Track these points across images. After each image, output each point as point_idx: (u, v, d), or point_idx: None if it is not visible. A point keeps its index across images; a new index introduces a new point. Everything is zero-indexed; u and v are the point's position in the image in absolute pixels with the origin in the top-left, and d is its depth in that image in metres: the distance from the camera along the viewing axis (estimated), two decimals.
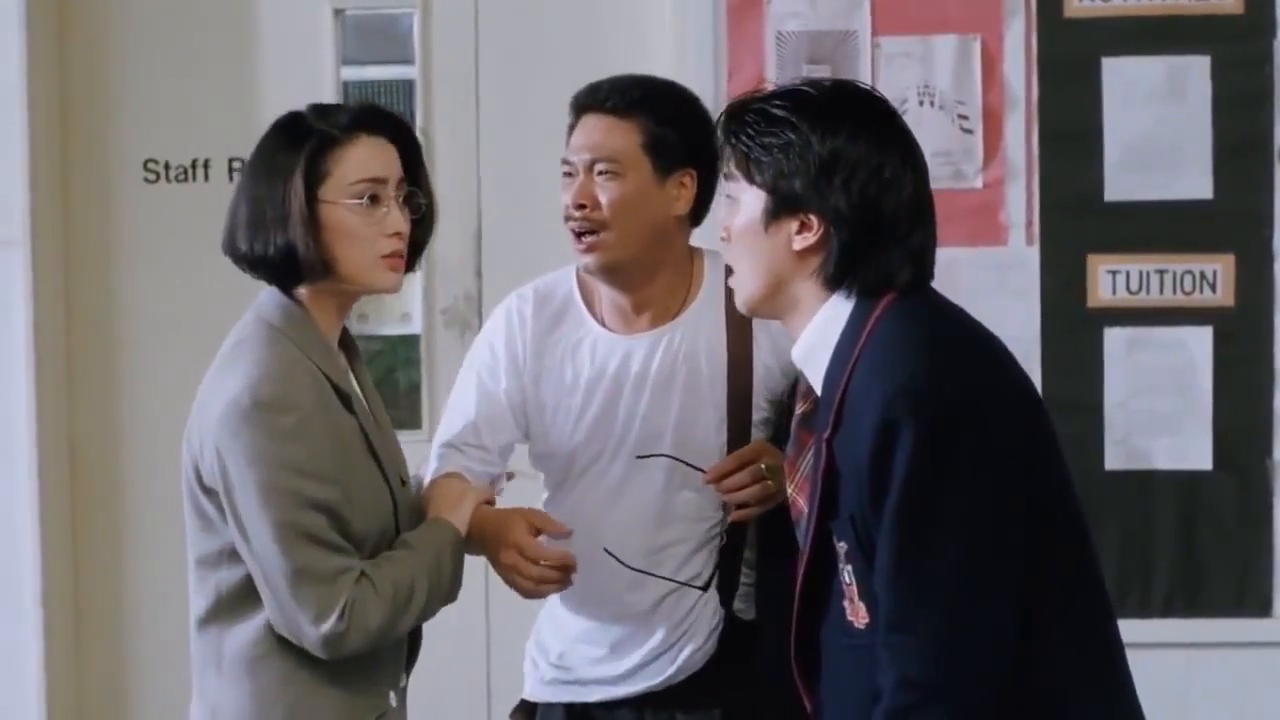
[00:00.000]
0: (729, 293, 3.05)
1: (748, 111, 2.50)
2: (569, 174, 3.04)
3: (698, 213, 3.09)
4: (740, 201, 2.51)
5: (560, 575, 2.93)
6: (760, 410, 3.08)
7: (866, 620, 2.41)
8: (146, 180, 4.70)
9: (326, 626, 2.62)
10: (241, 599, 2.68)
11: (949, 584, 2.32)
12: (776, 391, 3.08)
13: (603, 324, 3.11)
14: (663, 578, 3.08)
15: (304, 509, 2.61)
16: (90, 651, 4.75)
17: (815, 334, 2.49)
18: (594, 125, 3.02)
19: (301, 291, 2.74)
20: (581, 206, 3.01)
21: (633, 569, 3.08)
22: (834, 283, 2.46)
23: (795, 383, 3.04)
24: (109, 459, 4.72)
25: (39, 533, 4.57)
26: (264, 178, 2.70)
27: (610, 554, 3.08)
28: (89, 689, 4.76)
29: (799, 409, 2.58)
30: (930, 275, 2.51)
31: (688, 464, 3.05)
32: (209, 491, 2.67)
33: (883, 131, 2.47)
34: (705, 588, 3.09)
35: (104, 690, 4.76)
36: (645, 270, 3.06)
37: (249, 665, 2.68)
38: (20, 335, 4.55)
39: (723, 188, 2.63)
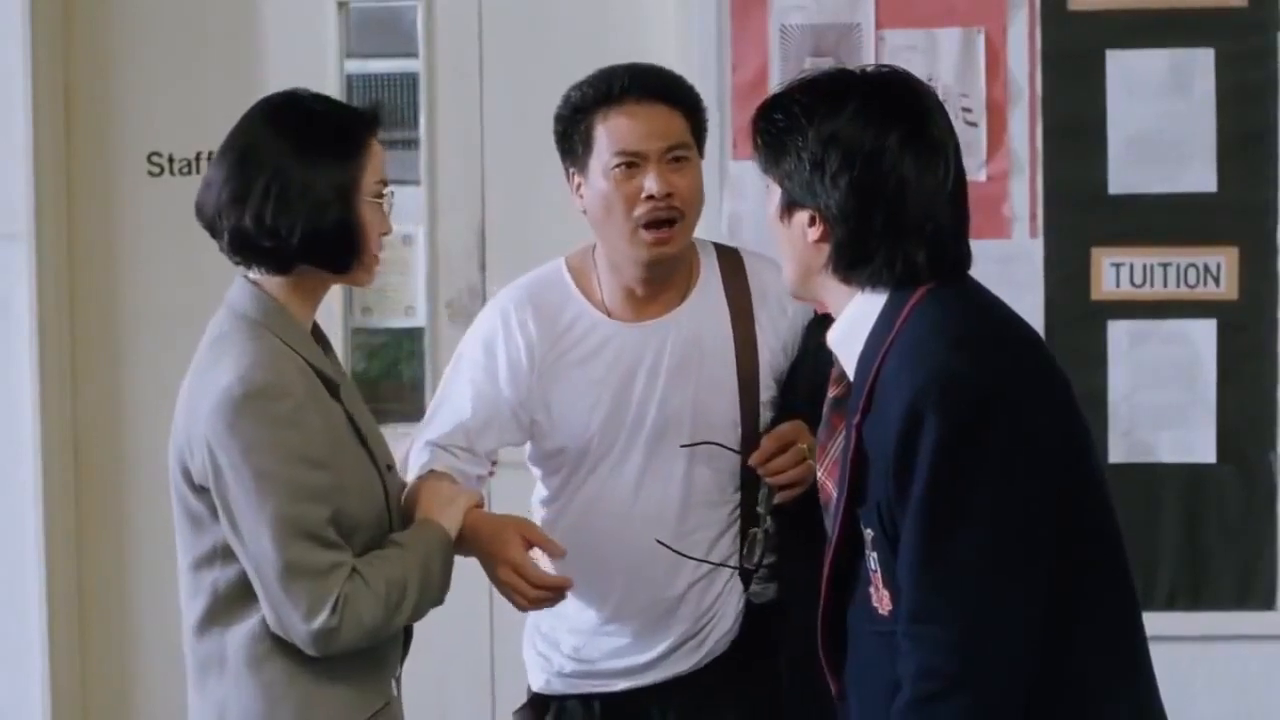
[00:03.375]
0: (726, 277, 3.09)
1: (779, 104, 2.51)
2: (632, 164, 3.00)
3: None
4: (769, 190, 2.53)
5: (554, 596, 2.92)
6: (768, 390, 3.09)
7: (891, 607, 2.41)
8: (150, 173, 4.71)
9: (319, 622, 2.61)
10: (240, 596, 2.67)
11: (971, 575, 2.32)
12: (780, 370, 3.10)
13: (606, 312, 3.11)
14: (717, 564, 3.09)
15: (300, 500, 2.61)
16: (94, 646, 4.75)
17: (848, 322, 2.49)
18: (654, 113, 3.00)
19: (274, 283, 2.74)
20: (669, 195, 2.99)
21: (683, 555, 3.07)
22: (846, 278, 2.47)
23: (798, 361, 3.08)
24: (113, 453, 4.72)
25: (43, 527, 4.58)
26: (311, 160, 2.69)
27: (663, 544, 3.07)
28: (93, 684, 4.76)
29: (831, 393, 2.59)
30: (963, 262, 2.49)
31: (729, 448, 3.06)
32: (199, 490, 2.67)
33: (886, 118, 2.44)
34: (748, 567, 3.09)
35: (108, 686, 4.76)
36: (682, 256, 3.08)
37: (254, 663, 2.68)
38: (24, 328, 4.55)
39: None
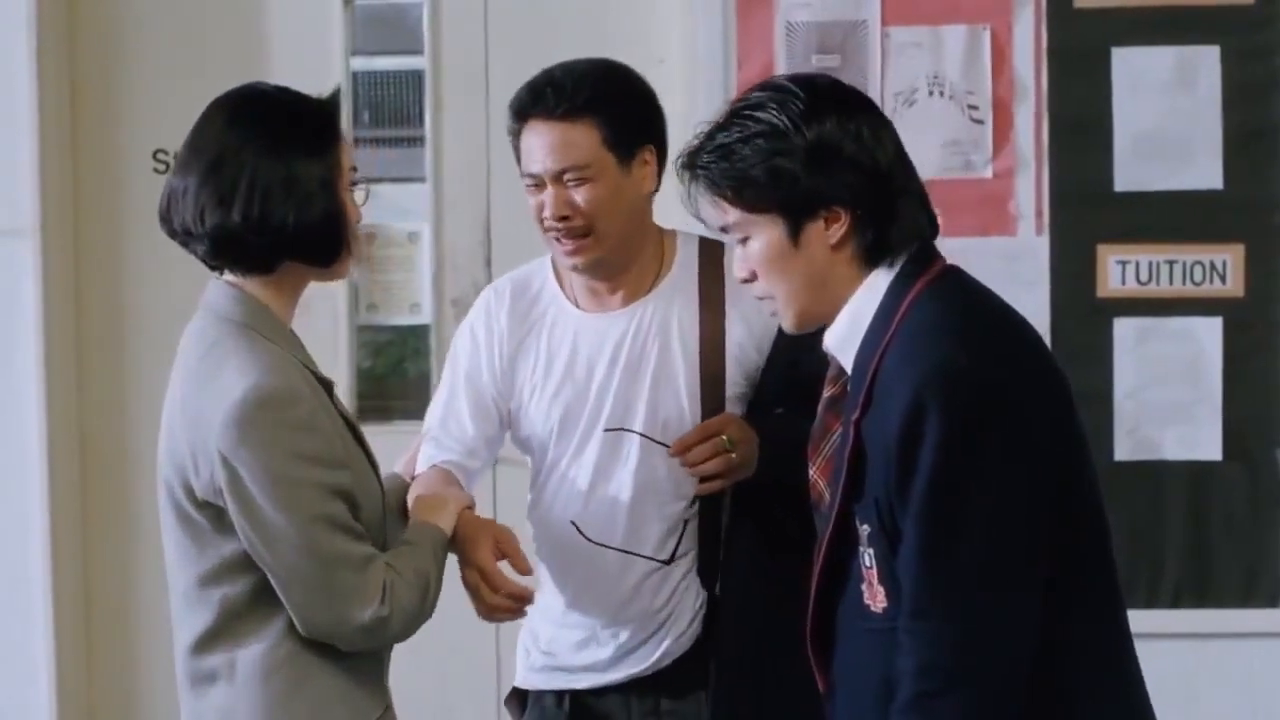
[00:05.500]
0: (703, 271, 3.10)
1: (702, 157, 2.49)
2: (535, 183, 3.04)
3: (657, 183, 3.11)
4: (752, 237, 2.50)
5: (515, 606, 2.93)
6: (736, 386, 3.09)
7: (884, 604, 2.41)
8: (156, 171, 4.70)
9: (370, 612, 2.61)
10: (252, 608, 2.66)
11: (974, 571, 2.32)
12: (750, 366, 3.10)
13: (576, 304, 3.14)
14: (619, 549, 3.08)
15: (327, 499, 2.60)
16: (100, 647, 4.75)
17: (849, 316, 2.48)
18: (549, 133, 3.00)
19: (253, 284, 2.72)
20: (564, 218, 3.01)
21: (593, 541, 3.09)
22: (876, 256, 2.46)
23: (770, 358, 3.07)
24: (119, 451, 4.72)
25: (49, 525, 4.57)
26: (290, 155, 2.67)
27: (575, 526, 3.10)
28: (99, 685, 4.76)
29: (826, 392, 2.58)
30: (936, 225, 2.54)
31: (654, 440, 3.06)
32: (203, 505, 2.64)
33: (833, 101, 2.47)
34: (669, 561, 3.09)
35: (114, 686, 4.76)
36: (627, 254, 3.09)
37: (264, 675, 2.66)
38: (30, 326, 4.55)
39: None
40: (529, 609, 2.96)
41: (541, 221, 3.04)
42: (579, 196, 3.01)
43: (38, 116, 4.53)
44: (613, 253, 3.05)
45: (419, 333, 4.77)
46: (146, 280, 4.71)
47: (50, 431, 4.58)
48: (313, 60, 4.63)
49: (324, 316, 4.54)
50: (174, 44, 4.70)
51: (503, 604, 2.91)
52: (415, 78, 4.72)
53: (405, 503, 2.99)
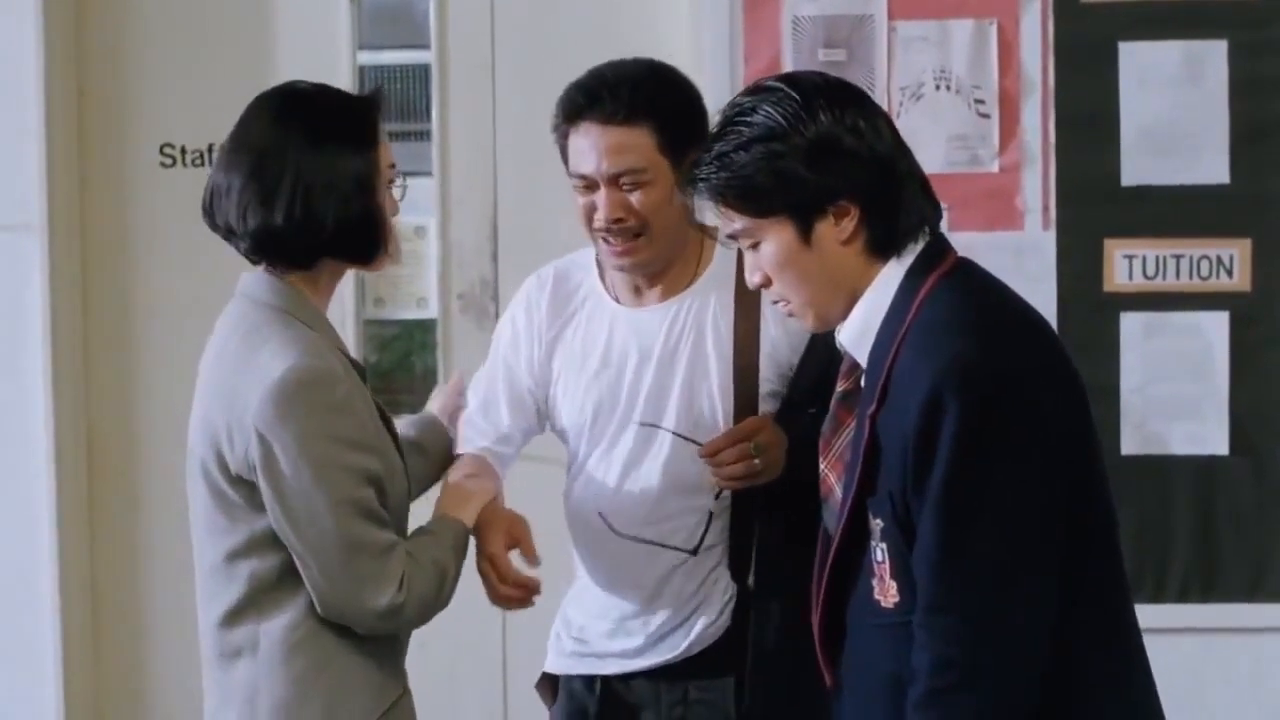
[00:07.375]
0: (739, 268, 3.07)
1: (703, 169, 2.50)
2: (587, 185, 3.04)
3: None
4: (762, 241, 2.50)
5: (522, 595, 2.98)
6: (769, 383, 3.10)
7: (896, 599, 2.41)
8: (163, 165, 4.71)
9: (386, 598, 2.66)
10: (278, 585, 2.70)
11: (992, 565, 2.32)
12: (784, 364, 3.10)
13: (615, 299, 3.16)
14: (646, 541, 3.10)
15: (357, 483, 2.65)
16: (108, 644, 4.75)
17: (862, 312, 2.49)
18: (604, 136, 3.01)
19: (291, 276, 2.76)
20: (618, 220, 3.02)
21: (620, 534, 3.11)
22: (886, 246, 2.47)
23: (805, 356, 3.08)
24: (126, 446, 4.72)
25: (56, 520, 4.57)
26: (332, 154, 2.71)
27: (602, 517, 3.12)
28: (106, 682, 4.76)
29: (839, 387, 2.59)
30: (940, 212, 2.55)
31: (686, 438, 3.07)
32: (237, 481, 2.68)
33: (824, 96, 2.46)
34: (694, 551, 3.10)
35: (121, 683, 4.76)
36: (672, 253, 3.10)
37: (287, 652, 2.69)
38: (37, 320, 4.55)
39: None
40: (538, 600, 2.99)
41: (590, 222, 3.05)
42: (635, 200, 3.02)
43: (44, 111, 4.54)
44: (660, 253, 3.07)
45: (426, 327, 4.77)
46: (153, 275, 4.72)
47: (57, 426, 4.58)
48: (319, 55, 4.63)
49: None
50: (180, 39, 4.70)
51: (510, 593, 2.96)
52: (422, 72, 4.72)
53: (446, 451, 3.10)
